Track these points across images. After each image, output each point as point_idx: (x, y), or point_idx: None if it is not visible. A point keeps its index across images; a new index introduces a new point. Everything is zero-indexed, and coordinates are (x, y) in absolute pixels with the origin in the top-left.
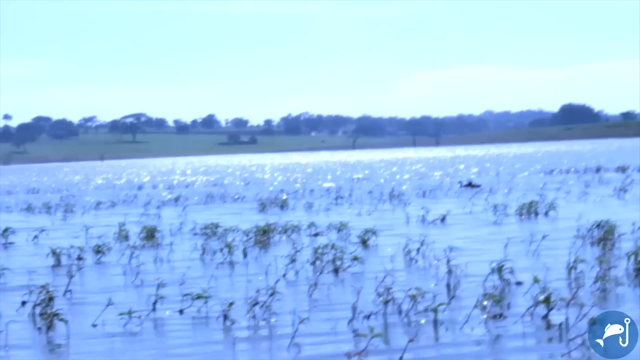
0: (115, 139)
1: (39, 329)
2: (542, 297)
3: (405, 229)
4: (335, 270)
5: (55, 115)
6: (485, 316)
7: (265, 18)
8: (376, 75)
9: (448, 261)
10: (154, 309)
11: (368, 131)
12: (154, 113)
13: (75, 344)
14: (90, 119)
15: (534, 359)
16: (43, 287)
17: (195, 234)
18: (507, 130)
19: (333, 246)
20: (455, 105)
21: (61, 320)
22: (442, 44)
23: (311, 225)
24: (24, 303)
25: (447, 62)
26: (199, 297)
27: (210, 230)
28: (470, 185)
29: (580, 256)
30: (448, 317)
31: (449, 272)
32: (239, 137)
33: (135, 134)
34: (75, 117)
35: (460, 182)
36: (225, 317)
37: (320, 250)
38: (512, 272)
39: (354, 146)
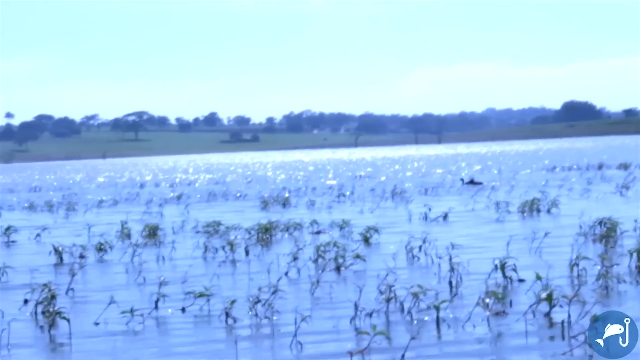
0: (117, 137)
1: (41, 327)
2: (544, 295)
3: (408, 226)
4: (338, 268)
5: (58, 114)
6: (487, 314)
7: (267, 15)
8: (378, 73)
9: (450, 259)
10: (156, 307)
11: (370, 129)
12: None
13: (77, 342)
14: (93, 117)
15: (536, 356)
16: (45, 285)
17: (198, 232)
18: (509, 128)
19: (335, 244)
20: (457, 102)
21: (63, 318)
22: (444, 41)
23: (313, 223)
24: (26, 301)
25: (449, 60)
26: (201, 295)
27: (213, 229)
28: (472, 182)
29: (583, 253)
30: (450, 315)
31: (451, 269)
32: (241, 135)
33: (137, 132)
34: (77, 116)
35: (462, 180)
36: (228, 315)
37: (322, 248)
38: (515, 269)
39: (356, 144)
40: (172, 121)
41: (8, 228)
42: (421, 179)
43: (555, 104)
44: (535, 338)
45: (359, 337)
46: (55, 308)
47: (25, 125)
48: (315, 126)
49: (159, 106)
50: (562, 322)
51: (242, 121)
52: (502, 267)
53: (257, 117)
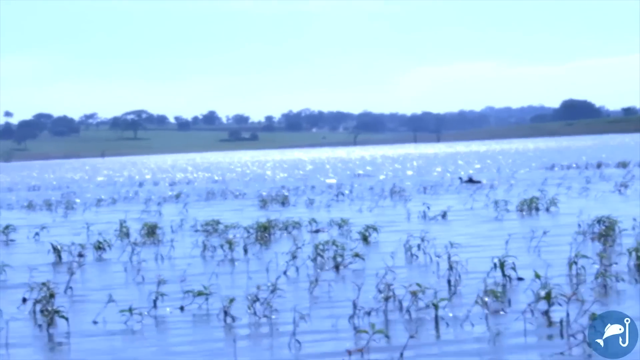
0: (116, 136)
1: (40, 326)
2: (543, 293)
3: (406, 225)
4: (336, 267)
5: (56, 112)
6: (486, 312)
7: (266, 15)
8: (377, 71)
9: (449, 257)
10: (154, 306)
11: (369, 127)
12: (154, 110)
13: (75, 341)
14: (91, 115)
15: (535, 355)
16: (44, 284)
17: (196, 231)
18: (508, 126)
19: (334, 243)
20: (456, 101)
21: (62, 317)
22: (442, 40)
23: (312, 221)
24: (24, 300)
25: (448, 58)
26: (199, 294)
27: (211, 227)
28: (470, 181)
29: (581, 252)
30: (449, 314)
31: (450, 268)
32: (240, 133)
33: (136, 131)
34: (76, 114)
35: (460, 178)
36: (226, 314)
37: (321, 247)
38: (514, 268)
39: (355, 142)
40: (171, 120)
41: (7, 227)
42: (420, 177)
43: (554, 103)
44: (534, 336)
45: (357, 336)
46: (54, 307)
47: (24, 124)
48: (314, 125)
49: (158, 105)
50: (561, 321)
51: (241, 120)
52: (502, 265)
53: (256, 116)
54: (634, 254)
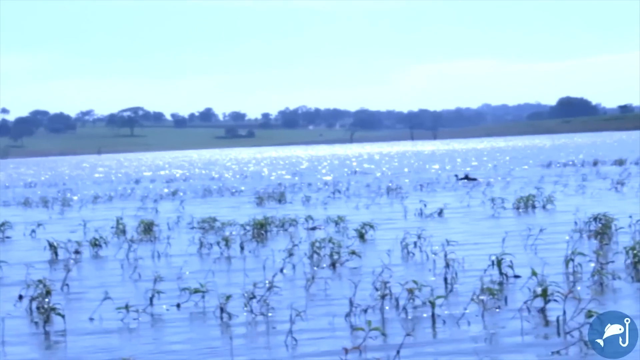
0: (112, 133)
1: (36, 323)
2: (539, 291)
3: (403, 222)
4: (333, 264)
5: (53, 109)
6: (482, 310)
7: (263, 12)
8: (374, 69)
9: (445, 255)
10: (151, 304)
11: (366, 124)
12: (151, 107)
13: (72, 339)
14: (88, 112)
15: (531, 353)
16: (40, 281)
17: (193, 228)
18: (505, 124)
19: (330, 240)
20: (453, 98)
21: (58, 314)
22: (439, 37)
23: (308, 218)
24: (21, 297)
25: (445, 55)
26: (196, 291)
27: (208, 224)
28: (467, 178)
29: (578, 250)
30: (445, 311)
31: (447, 265)
32: (237, 130)
33: (132, 128)
34: (72, 111)
35: (456, 176)
36: (223, 311)
37: (317, 244)
38: (511, 265)
39: (351, 140)
40: (168, 117)
41: (3, 224)
42: (417, 174)
43: (551, 100)
44: (530, 334)
45: (354, 334)
46: (50, 304)
47: (20, 121)
48: (311, 122)
49: (155, 102)
50: (557, 319)
51: (237, 117)
52: (498, 263)
53: (253, 113)
54: (630, 251)
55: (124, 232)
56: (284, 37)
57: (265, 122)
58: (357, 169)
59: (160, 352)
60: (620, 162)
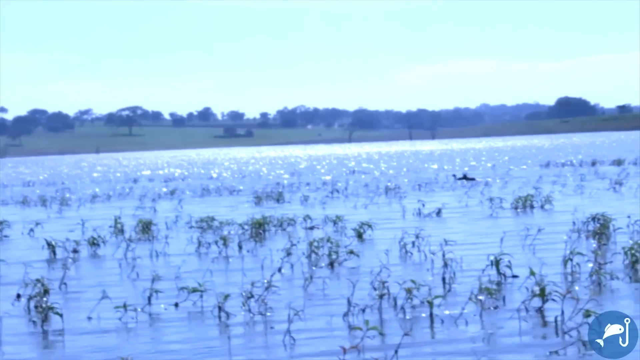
0: (111, 132)
1: (34, 322)
2: (537, 290)
3: (401, 222)
4: (331, 264)
5: (51, 108)
6: (480, 309)
7: (262, 11)
8: (372, 68)
9: (443, 254)
10: (149, 303)
11: (364, 124)
12: (150, 106)
13: (70, 338)
14: (86, 111)
15: (529, 353)
16: (38, 280)
17: (191, 227)
18: (503, 124)
19: (329, 239)
20: (451, 98)
21: (56, 313)
22: (438, 37)
23: (307, 218)
24: (18, 296)
25: (443, 55)
26: (194, 290)
27: (206, 224)
28: (465, 178)
29: (576, 250)
30: (443, 311)
31: (445, 265)
32: (235, 130)
33: (131, 127)
34: (71, 110)
35: (454, 175)
36: (221, 310)
37: (316, 244)
38: (509, 265)
39: (350, 139)
40: (166, 116)
41: (1, 222)
42: (415, 174)
43: (549, 100)
44: (528, 334)
45: (352, 333)
46: (48, 303)
47: (18, 120)
48: (309, 121)
49: (153, 101)
50: (556, 319)
51: (236, 116)
52: (496, 263)
53: (251, 113)
54: (628, 252)
55: (122, 231)
56: (282, 36)
57: (264, 121)
58: (356, 169)
59: (158, 351)
60: (618, 162)
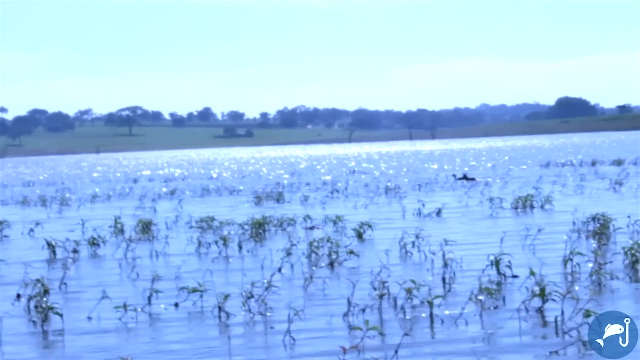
0: (111, 132)
1: (34, 322)
2: (537, 290)
3: (401, 222)
4: (331, 264)
5: (51, 108)
6: (480, 309)
7: (262, 11)
8: (372, 68)
9: (443, 255)
10: (149, 303)
11: (364, 124)
12: (150, 106)
13: (70, 337)
14: (86, 111)
15: (529, 353)
16: (38, 280)
17: (191, 227)
18: (503, 124)
19: (329, 239)
20: (451, 98)
21: (56, 313)
22: (438, 36)
23: (307, 218)
24: (18, 296)
25: (443, 55)
26: (194, 290)
27: (206, 224)
28: (465, 178)
29: (576, 249)
30: (443, 311)
31: (445, 265)
32: (235, 130)
33: (131, 127)
34: (71, 110)
35: (454, 175)
36: (221, 310)
37: (316, 244)
38: (509, 265)
39: (350, 139)
40: (166, 116)
41: (1, 222)
42: (415, 174)
43: (549, 100)
44: (528, 334)
45: (352, 333)
46: (48, 303)
47: (18, 120)
48: (309, 121)
49: (153, 101)
50: (556, 319)
51: (236, 116)
52: (496, 263)
53: (251, 113)
54: (629, 252)
55: (122, 231)
56: (282, 36)
57: (264, 121)
58: (356, 169)
59: (158, 351)
60: (618, 162)
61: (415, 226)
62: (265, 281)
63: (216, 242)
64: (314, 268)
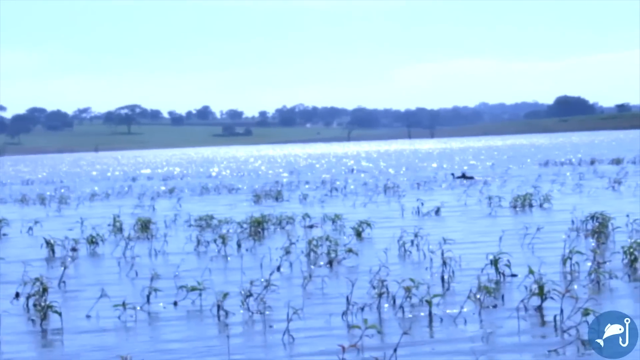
0: (110, 131)
1: (33, 320)
2: (536, 289)
3: (400, 221)
4: (330, 262)
5: (50, 107)
6: (479, 308)
7: (261, 10)
8: (371, 67)
9: (442, 253)
10: (148, 301)
11: (363, 123)
12: (148, 104)
13: (69, 336)
14: (85, 110)
15: (528, 351)
16: (37, 278)
17: (190, 226)
18: (502, 122)
19: (327, 238)
20: (450, 97)
21: (55, 312)
22: (437, 36)
23: (306, 217)
24: (17, 295)
25: (443, 54)
26: (193, 289)
27: (205, 222)
28: (463, 177)
29: (575, 248)
30: (442, 309)
31: (444, 264)
32: (234, 128)
33: (130, 126)
34: (69, 109)
35: (453, 174)
36: (220, 309)
37: (314, 243)
38: (508, 264)
39: (348, 138)
40: (165, 114)
41: (0, 221)
42: (414, 173)
43: (548, 99)
44: (527, 333)
45: (351, 332)
46: (47, 301)
47: (17, 118)
48: (308, 120)
49: (152, 99)
50: (555, 318)
51: (234, 115)
52: (495, 262)
53: (250, 111)
54: (627, 251)
55: (121, 229)
56: (281, 35)
57: (263, 120)
58: (355, 168)
59: (157, 350)
60: (617, 161)
61: (414, 225)
62: (264, 280)
63: (215, 241)
64: (312, 267)
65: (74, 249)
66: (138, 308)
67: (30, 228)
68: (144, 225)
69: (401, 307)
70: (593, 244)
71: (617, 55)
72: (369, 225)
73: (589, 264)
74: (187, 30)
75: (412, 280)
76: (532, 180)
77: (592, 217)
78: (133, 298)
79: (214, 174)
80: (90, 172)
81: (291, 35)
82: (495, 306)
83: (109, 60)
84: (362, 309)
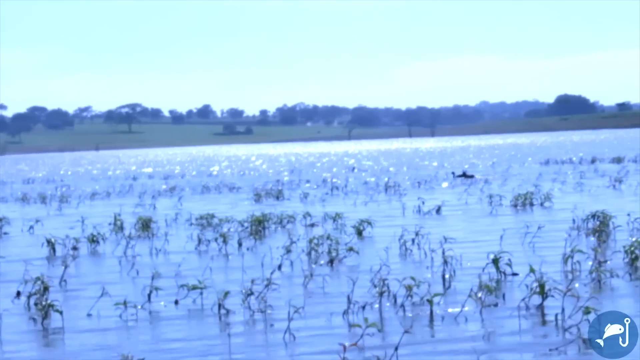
0: (110, 129)
1: (34, 319)
2: (537, 288)
3: (401, 219)
4: (331, 261)
5: (51, 105)
6: (480, 307)
7: (261, 9)
8: (372, 66)
9: (443, 252)
10: (149, 300)
11: (364, 121)
12: (149, 103)
13: (70, 335)
14: (86, 109)
15: (529, 350)
16: (38, 277)
17: (191, 225)
18: (503, 121)
19: (328, 237)
20: (451, 95)
21: (56, 310)
22: (438, 34)
23: (306, 215)
24: (18, 294)
25: (443, 53)
26: (194, 288)
27: (206, 221)
28: (464, 175)
29: (576, 247)
30: (443, 308)
31: (445, 263)
32: (235, 127)
33: (130, 124)
34: (70, 107)
35: (453, 173)
36: (221, 307)
37: (315, 241)
38: (509, 263)
39: (349, 137)
40: (166, 113)
41: (1, 219)
42: (415, 172)
43: (549, 98)
44: (528, 332)
45: (352, 330)
46: (48, 300)
47: (18, 117)
48: (309, 119)
49: (153, 98)
50: (556, 316)
51: (235, 113)
52: (496, 261)
53: (251, 110)
54: (628, 249)
55: (121, 228)
56: (282, 34)
57: (263, 118)
58: (355, 166)
59: (158, 349)
60: (618, 160)
61: (415, 224)
62: (265, 279)
63: (216, 240)
64: (313, 265)
65: (74, 248)
66: (139, 307)
67: (31, 227)
68: (145, 224)
69: (402, 305)
70: (594, 243)
71: (617, 54)
72: (369, 224)
73: (590, 262)
74: (187, 29)
75: (413, 279)
76: (532, 179)
77: (593, 216)
78: (134, 297)
79: (214, 172)
80: (91, 171)
81: (292, 34)
82: (496, 305)
83: (109, 59)
84: (363, 307)
